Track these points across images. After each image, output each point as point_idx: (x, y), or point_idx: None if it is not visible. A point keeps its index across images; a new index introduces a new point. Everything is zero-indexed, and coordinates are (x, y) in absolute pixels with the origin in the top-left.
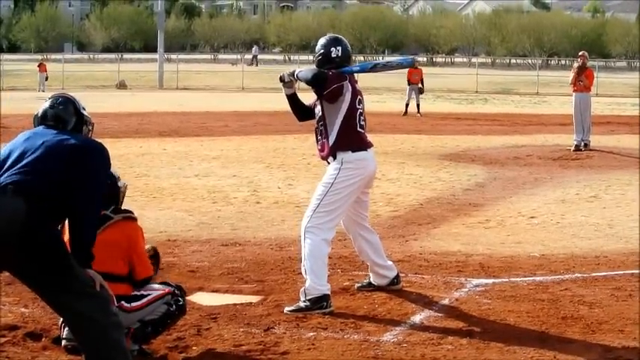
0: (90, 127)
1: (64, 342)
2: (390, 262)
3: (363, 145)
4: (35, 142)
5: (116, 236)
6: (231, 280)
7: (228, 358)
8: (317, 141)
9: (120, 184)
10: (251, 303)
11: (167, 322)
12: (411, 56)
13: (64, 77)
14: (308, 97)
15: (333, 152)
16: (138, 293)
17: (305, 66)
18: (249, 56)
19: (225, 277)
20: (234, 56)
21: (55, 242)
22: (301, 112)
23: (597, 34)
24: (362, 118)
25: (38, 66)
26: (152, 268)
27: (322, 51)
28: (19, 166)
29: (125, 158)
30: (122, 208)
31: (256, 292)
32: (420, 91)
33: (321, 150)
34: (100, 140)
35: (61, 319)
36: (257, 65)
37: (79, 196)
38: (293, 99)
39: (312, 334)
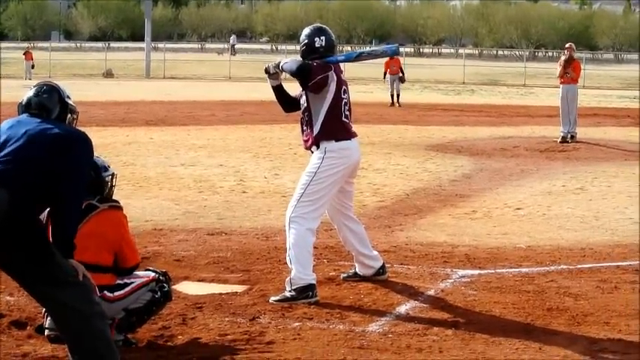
0: (75, 116)
1: (47, 331)
2: (375, 253)
3: (347, 134)
4: (18, 131)
5: (101, 227)
6: (216, 269)
7: (213, 348)
8: (302, 131)
9: (106, 173)
10: (237, 292)
11: (152, 309)
12: (396, 44)
13: (51, 66)
14: (294, 87)
15: (316, 141)
16: (121, 282)
17: (292, 56)
18: (236, 46)
19: (211, 267)
20: (221, 45)
21: (38, 232)
22: (287, 103)
23: (584, 26)
24: (347, 107)
25: (24, 54)
26: (139, 255)
27: (306, 41)
28: (1, 155)
29: (112, 147)
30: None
31: (242, 281)
32: (401, 80)
33: (306, 140)
34: (86, 129)
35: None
36: (235, 54)
37: (62, 186)
38: (279, 90)
39: (297, 324)
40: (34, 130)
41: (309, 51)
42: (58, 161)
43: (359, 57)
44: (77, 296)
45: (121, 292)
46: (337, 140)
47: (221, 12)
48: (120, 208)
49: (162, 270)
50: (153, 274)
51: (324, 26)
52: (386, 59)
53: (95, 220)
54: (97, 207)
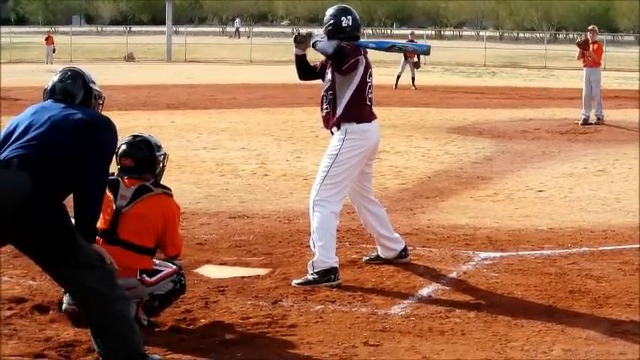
0: (100, 101)
1: (65, 305)
2: (396, 235)
3: (367, 117)
4: (42, 117)
5: (152, 210)
6: (239, 252)
7: (235, 331)
8: (322, 109)
9: (159, 152)
10: (259, 276)
11: (171, 298)
12: (428, 45)
13: (72, 50)
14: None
15: (338, 123)
16: (155, 268)
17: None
18: (257, 29)
19: (233, 250)
20: (242, 29)
21: (61, 216)
22: (307, 72)
23: (605, 9)
24: (370, 91)
25: (45, 39)
26: (181, 245)
27: (332, 21)
28: (23, 140)
29: (133, 131)
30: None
31: (264, 264)
32: (416, 65)
33: (326, 119)
34: (108, 113)
35: None
36: (239, 37)
37: (84, 170)
38: (302, 59)
39: (319, 307)
40: (57, 116)
41: (335, 30)
42: (81, 146)
43: (390, 48)
44: (99, 279)
45: (156, 277)
46: (358, 122)
47: None
48: (171, 195)
49: (179, 263)
50: (174, 266)
51: (348, 6)
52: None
53: (147, 202)
54: (151, 190)
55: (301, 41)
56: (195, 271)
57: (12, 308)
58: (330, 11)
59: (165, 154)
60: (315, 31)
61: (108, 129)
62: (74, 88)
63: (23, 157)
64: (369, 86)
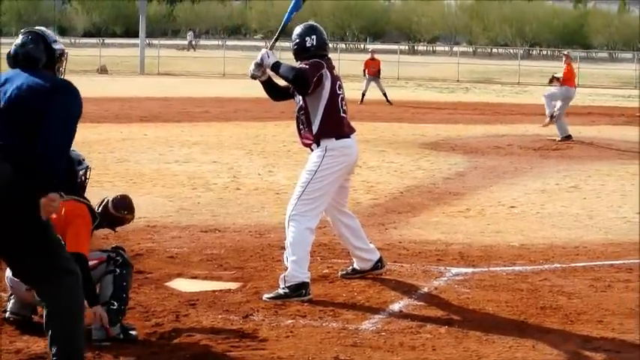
0: (63, 58)
1: (7, 314)
2: (372, 246)
3: (346, 131)
4: (10, 91)
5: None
6: (210, 266)
7: (206, 345)
8: (299, 130)
9: (80, 167)
10: (230, 290)
11: (123, 285)
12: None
13: None
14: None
15: (316, 140)
16: None
17: (282, 54)
18: (230, 42)
19: (205, 264)
20: (215, 42)
21: (34, 206)
22: (277, 93)
23: (579, 25)
24: (343, 103)
25: None
26: (82, 247)
27: (297, 40)
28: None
29: (106, 143)
30: (84, 195)
31: (235, 278)
32: (376, 80)
33: (305, 138)
34: (80, 125)
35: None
36: (194, 50)
37: (44, 126)
38: (268, 83)
39: (290, 321)
40: (24, 90)
41: (300, 50)
42: (44, 108)
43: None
44: (71, 286)
45: None
46: (337, 138)
47: (216, 8)
48: (84, 202)
49: (112, 246)
50: (101, 255)
51: (315, 25)
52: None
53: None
54: (62, 197)
55: (259, 76)
56: (167, 284)
57: None
58: (297, 30)
59: (87, 167)
60: (263, 50)
61: (68, 91)
62: (37, 52)
63: (2, 147)
64: (341, 98)
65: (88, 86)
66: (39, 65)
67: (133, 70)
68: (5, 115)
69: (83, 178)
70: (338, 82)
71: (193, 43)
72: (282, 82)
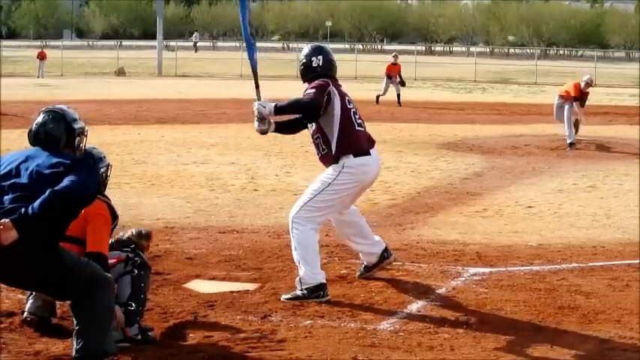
0: (83, 137)
1: (25, 314)
2: (376, 238)
3: (365, 146)
4: (29, 169)
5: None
6: (228, 267)
7: (224, 346)
8: (318, 153)
9: (102, 164)
10: (248, 290)
11: (141, 286)
12: None
13: (63, 64)
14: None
15: (336, 159)
16: None
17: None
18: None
19: (223, 265)
20: (233, 44)
21: (59, 261)
22: (294, 128)
23: (596, 25)
24: (357, 116)
25: (39, 54)
26: (102, 247)
27: (304, 61)
28: (17, 197)
29: (123, 145)
30: (104, 193)
31: (253, 279)
32: (402, 83)
33: (325, 159)
34: (98, 127)
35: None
36: (197, 51)
37: (43, 200)
38: (280, 127)
39: (308, 322)
40: (43, 165)
41: (307, 71)
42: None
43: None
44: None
45: None
46: (355, 155)
47: (233, 10)
48: (105, 201)
49: (130, 247)
50: (120, 254)
51: (322, 45)
52: (388, 64)
53: None
54: None
55: (264, 131)
56: (185, 285)
57: (1, 322)
58: (304, 51)
59: (108, 166)
60: (255, 104)
61: (86, 167)
62: (57, 132)
63: (24, 221)
64: (354, 112)
65: (105, 88)
66: (60, 145)
67: (150, 71)
68: (25, 189)
69: (104, 175)
70: (347, 98)
71: (198, 44)
72: (290, 116)
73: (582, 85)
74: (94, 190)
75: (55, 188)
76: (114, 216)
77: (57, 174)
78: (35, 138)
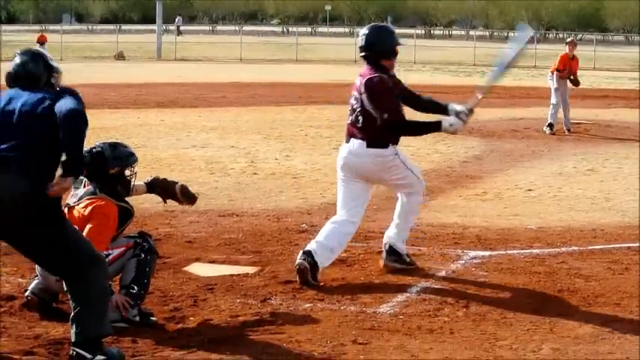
0: (57, 74)
1: (27, 293)
2: (406, 235)
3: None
4: (16, 110)
5: (86, 209)
6: (228, 250)
7: (224, 329)
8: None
9: (132, 158)
10: (248, 274)
11: (145, 270)
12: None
13: (63, 48)
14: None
15: None
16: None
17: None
18: (247, 28)
19: (222, 248)
20: (232, 27)
21: (53, 207)
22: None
23: (595, 8)
24: (350, 112)
25: (39, 38)
26: (103, 247)
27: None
28: (9, 139)
29: (123, 129)
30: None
31: (253, 263)
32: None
33: None
34: (98, 111)
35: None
36: (180, 35)
37: (64, 135)
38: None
39: (308, 305)
40: (29, 102)
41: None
42: (52, 112)
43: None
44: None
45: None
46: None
47: None
48: (111, 201)
49: (138, 231)
50: (128, 241)
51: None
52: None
53: (85, 203)
54: (95, 194)
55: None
56: (185, 269)
57: (1, 306)
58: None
59: (136, 161)
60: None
61: (71, 93)
62: (38, 70)
63: (15, 160)
64: (351, 109)
65: (105, 72)
66: (40, 83)
67: (150, 55)
68: (15, 130)
69: (133, 172)
70: (354, 93)
71: (181, 28)
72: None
73: (567, 50)
74: (84, 111)
75: (63, 114)
76: (127, 217)
77: (47, 108)
78: (15, 78)
